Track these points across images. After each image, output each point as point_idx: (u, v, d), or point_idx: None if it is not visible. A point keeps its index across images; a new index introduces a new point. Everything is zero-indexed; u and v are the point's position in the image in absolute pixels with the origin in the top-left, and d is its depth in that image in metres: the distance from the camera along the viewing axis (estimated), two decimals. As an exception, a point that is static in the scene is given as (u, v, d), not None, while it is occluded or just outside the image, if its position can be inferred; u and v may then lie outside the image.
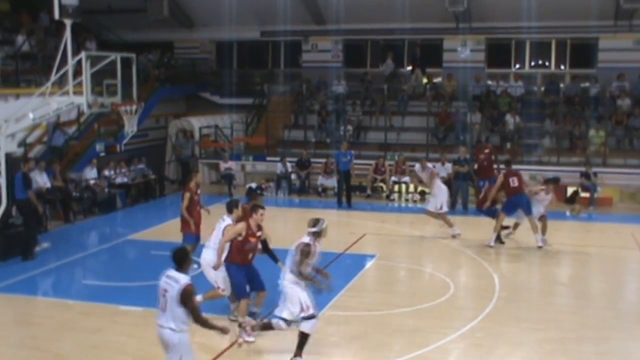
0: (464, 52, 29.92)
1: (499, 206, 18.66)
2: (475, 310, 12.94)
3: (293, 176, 26.65)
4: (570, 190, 24.17)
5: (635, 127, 25.65)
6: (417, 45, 30.91)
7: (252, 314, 11.59)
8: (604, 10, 26.76)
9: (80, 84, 17.10)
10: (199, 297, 11.27)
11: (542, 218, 17.95)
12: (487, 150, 22.66)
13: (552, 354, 11.04)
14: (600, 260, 17.37)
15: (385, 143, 27.36)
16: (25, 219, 17.19)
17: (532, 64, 30.51)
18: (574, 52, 29.74)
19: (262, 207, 11.59)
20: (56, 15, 16.89)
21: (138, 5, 30.36)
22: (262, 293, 11.71)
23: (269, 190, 26.44)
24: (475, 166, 22.50)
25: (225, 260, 11.49)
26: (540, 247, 17.60)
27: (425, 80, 30.26)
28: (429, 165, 20.78)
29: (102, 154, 24.59)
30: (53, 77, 17.17)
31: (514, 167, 19.52)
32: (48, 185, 19.90)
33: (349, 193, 23.99)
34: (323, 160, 26.39)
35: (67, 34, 16.89)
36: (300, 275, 10.51)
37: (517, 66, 30.36)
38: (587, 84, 27.95)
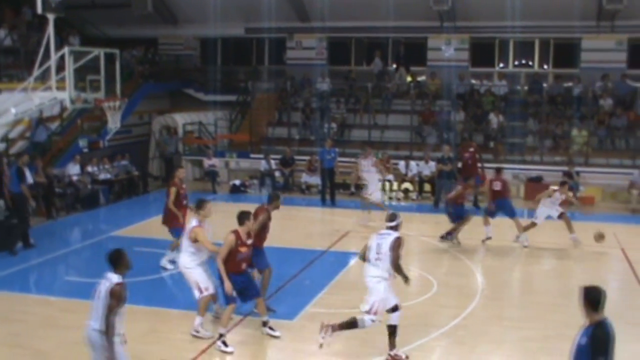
0: (448, 50, 30.01)
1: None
2: (457, 308, 12.98)
3: (277, 173, 26.64)
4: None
5: (617, 127, 25.83)
6: (401, 43, 30.98)
7: (264, 324, 11.53)
8: (587, 10, 26.91)
9: (63, 79, 17.06)
10: (198, 320, 11.31)
11: (563, 216, 18.04)
12: (471, 149, 22.81)
13: (535, 352, 11.10)
14: (582, 259, 17.46)
15: (369, 141, 27.37)
16: (20, 212, 17.24)
17: (516, 63, 30.67)
18: (557, 52, 29.93)
19: (250, 213, 11.49)
20: (39, 10, 16.84)
21: (122, 0, 30.22)
22: (260, 300, 11.49)
23: (253, 188, 26.41)
24: (460, 164, 22.59)
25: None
26: (525, 247, 17.73)
27: (409, 79, 30.33)
28: (370, 158, 21.08)
29: (85, 150, 24.49)
30: (36, 72, 17.10)
31: (496, 165, 19.59)
32: (30, 181, 19.76)
33: (332, 191, 24.01)
34: (307, 157, 26.41)
35: (50, 29, 16.83)
36: (399, 270, 10.72)
37: (501, 65, 30.53)
38: (570, 84, 28.10)
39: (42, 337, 11.46)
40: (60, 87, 17.20)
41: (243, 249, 11.11)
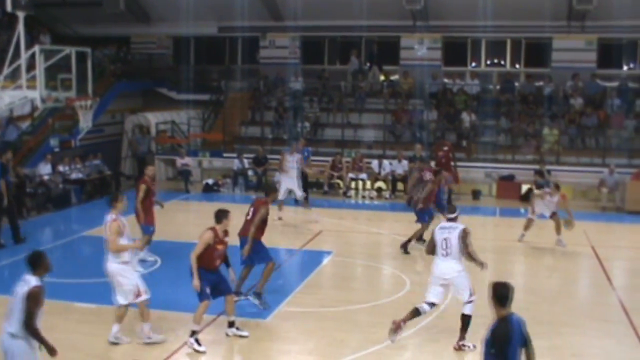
0: (420, 50, 30.14)
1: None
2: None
3: (250, 172, 26.61)
4: (524, 188, 24.46)
5: (588, 126, 26.10)
6: (374, 42, 31.06)
7: (230, 324, 11.44)
8: (558, 11, 27.18)
9: (33, 78, 16.94)
10: (146, 326, 10.98)
11: (554, 216, 18.14)
12: (445, 148, 23.02)
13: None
14: (553, 256, 17.63)
15: (343, 140, 27.47)
16: (6, 207, 17.48)
17: (488, 62, 30.87)
18: (528, 51, 30.16)
19: (229, 212, 11.39)
20: (8, 8, 16.70)
21: (93, -2, 30.07)
22: (230, 297, 11.38)
23: (226, 187, 26.35)
24: (433, 163, 22.71)
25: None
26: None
27: (382, 78, 30.42)
28: (297, 154, 21.24)
29: (57, 150, 24.32)
30: (5, 71, 16.99)
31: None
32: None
33: (306, 190, 23.99)
34: (280, 156, 26.37)
35: (20, 27, 16.72)
36: (472, 258, 11.29)
37: (473, 65, 30.71)
38: (541, 83, 28.33)
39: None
40: (31, 86, 17.08)
41: (220, 247, 11.07)
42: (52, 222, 20.99)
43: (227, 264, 11.47)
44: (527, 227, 18.27)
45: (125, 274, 11.07)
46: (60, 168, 23.76)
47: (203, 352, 10.83)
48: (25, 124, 24.28)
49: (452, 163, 23.07)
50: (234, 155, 26.99)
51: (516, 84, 29.06)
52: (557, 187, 18.46)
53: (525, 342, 7.30)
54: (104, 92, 26.66)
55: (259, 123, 29.34)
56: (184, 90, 31.50)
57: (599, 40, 28.46)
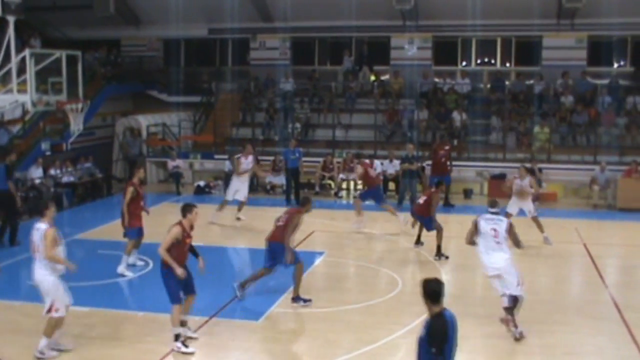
0: (411, 49, 30.18)
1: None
2: (423, 306, 12.88)
3: (241, 174, 26.55)
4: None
5: (579, 124, 26.15)
6: (364, 42, 31.08)
7: (182, 323, 11.32)
8: (547, 9, 27.27)
9: (24, 81, 16.90)
10: (43, 341, 10.63)
11: (535, 218, 18.22)
12: (447, 147, 23.19)
13: (498, 348, 11.23)
14: (545, 254, 17.66)
15: (334, 140, 27.49)
16: (8, 209, 17.68)
17: (478, 61, 30.92)
18: (518, 50, 30.25)
19: (195, 206, 11.41)
20: (-2, 12, 16.64)
21: (84, 2, 29.91)
22: (191, 297, 11.32)
23: (217, 189, 26.32)
24: (429, 162, 22.75)
25: (161, 267, 11.08)
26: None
27: (372, 78, 30.44)
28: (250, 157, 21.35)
29: (48, 153, 24.24)
30: (-4, 75, 16.91)
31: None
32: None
33: (297, 190, 24.04)
34: (271, 157, 26.39)
35: (10, 31, 16.68)
36: (518, 245, 12.42)
37: (464, 64, 30.76)
38: (531, 82, 28.39)
39: (3, 342, 11.33)
40: (22, 90, 17.04)
41: (188, 240, 11.13)
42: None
43: (196, 255, 11.48)
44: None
45: (50, 286, 10.79)
46: (52, 171, 23.72)
47: (192, 354, 10.80)
48: (16, 128, 24.21)
49: (449, 163, 23.27)
50: (225, 156, 26.93)
51: (507, 82, 29.13)
52: (526, 170, 18.69)
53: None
54: (95, 95, 26.62)
55: (249, 124, 29.31)
56: (174, 92, 31.50)
57: (589, 38, 28.57)
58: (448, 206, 23.06)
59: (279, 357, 10.98)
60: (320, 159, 25.94)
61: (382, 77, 30.59)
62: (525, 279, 15.22)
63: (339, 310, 12.87)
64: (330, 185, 26.01)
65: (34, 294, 13.77)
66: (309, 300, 13.07)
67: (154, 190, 25.99)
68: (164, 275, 10.96)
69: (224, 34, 31.75)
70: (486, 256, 11.72)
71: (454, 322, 7.18)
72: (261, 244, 18.05)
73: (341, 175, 25.60)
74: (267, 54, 31.88)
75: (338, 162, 25.84)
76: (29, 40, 25.41)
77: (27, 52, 17.02)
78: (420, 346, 7.13)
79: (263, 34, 31.66)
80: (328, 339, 11.45)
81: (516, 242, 12.23)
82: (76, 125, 18.70)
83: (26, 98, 16.90)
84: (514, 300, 11.59)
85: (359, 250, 17.90)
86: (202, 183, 26.45)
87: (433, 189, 17.69)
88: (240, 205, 20.86)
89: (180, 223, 11.08)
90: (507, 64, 30.66)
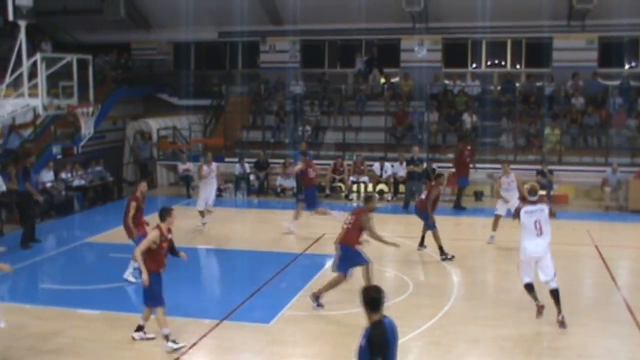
0: (421, 52, 30.12)
1: None
2: (433, 308, 13.04)
3: (252, 177, 26.60)
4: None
5: (590, 125, 26.06)
6: (374, 45, 31.06)
7: (139, 328, 11.42)
8: (558, 10, 27.18)
9: (35, 85, 16.95)
10: None
11: (498, 217, 18.26)
12: (469, 147, 23.19)
13: (510, 350, 11.19)
14: (556, 256, 17.37)
15: (344, 143, 27.47)
16: (25, 211, 18.28)
17: (489, 63, 30.85)
18: (529, 51, 30.14)
19: (173, 210, 11.48)
20: (10, 17, 16.72)
21: (94, 6, 30.08)
22: (159, 308, 11.29)
23: (228, 192, 26.35)
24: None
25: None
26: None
27: (382, 80, 30.41)
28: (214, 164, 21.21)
29: (59, 157, 24.33)
30: (8, 79, 17.00)
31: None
32: (3, 188, 19.66)
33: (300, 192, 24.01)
34: (281, 160, 26.40)
35: (22, 36, 16.73)
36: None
37: (474, 66, 30.67)
38: (542, 83, 28.30)
39: (16, 345, 11.37)
40: (33, 94, 17.10)
41: (165, 244, 11.19)
42: (55, 229, 21.00)
43: (175, 254, 11.57)
44: (495, 226, 18.32)
45: None
46: (63, 175, 23.79)
47: (184, 346, 10.93)
48: (27, 132, 24.31)
49: (472, 163, 23.42)
50: (236, 159, 26.97)
51: (517, 84, 29.02)
52: (508, 165, 19.02)
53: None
54: (105, 98, 26.68)
55: (260, 127, 29.32)
56: (184, 95, 31.55)
57: (599, 39, 28.45)
58: (459, 209, 23.03)
59: (290, 359, 10.97)
60: (331, 162, 25.91)
61: (392, 80, 30.52)
62: (536, 280, 15.23)
63: (349, 313, 12.83)
64: (340, 187, 25.99)
65: (48, 298, 13.90)
66: (320, 305, 13.02)
67: (165, 194, 26.07)
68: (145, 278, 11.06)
69: (234, 37, 31.77)
70: (528, 242, 12.21)
71: (394, 329, 7.08)
72: (270, 246, 18.22)
73: (351, 178, 25.58)
74: (277, 56, 31.88)
75: (348, 165, 25.83)
76: (40, 44, 25.51)
77: (38, 56, 17.08)
78: (361, 356, 6.98)
79: (273, 36, 31.66)
80: (338, 341, 11.44)
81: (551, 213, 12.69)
82: (87, 128, 18.75)
83: (37, 102, 16.96)
84: (556, 294, 12.15)
85: (369, 252, 17.80)
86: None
87: (433, 182, 17.71)
88: (205, 211, 20.50)
89: (158, 227, 11.16)
90: (518, 66, 30.58)
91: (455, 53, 30.70)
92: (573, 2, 26.18)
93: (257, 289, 14.09)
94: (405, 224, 19.86)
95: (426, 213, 17.04)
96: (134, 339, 11.41)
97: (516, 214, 12.41)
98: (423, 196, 17.52)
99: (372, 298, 7.10)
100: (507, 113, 27.43)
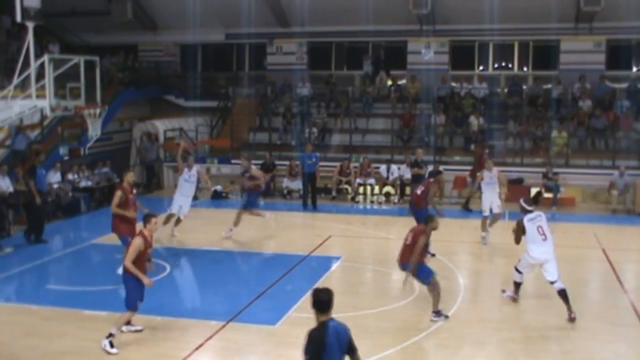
0: (427, 54, 30.11)
1: None
2: (440, 311, 13.02)
3: (258, 179, 26.57)
4: (533, 191, 24.44)
5: (597, 128, 26.01)
6: (381, 47, 31.06)
7: (111, 335, 11.31)
8: (565, 13, 27.15)
9: (43, 87, 16.99)
10: None
11: (496, 216, 18.34)
12: (487, 150, 23.21)
13: (516, 354, 11.16)
14: (563, 259, 17.44)
15: (350, 145, 27.48)
16: (32, 210, 18.75)
17: (495, 65, 30.82)
18: (536, 54, 30.13)
19: (155, 216, 11.52)
20: (18, 18, 16.77)
21: (101, 7, 30.18)
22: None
23: (234, 193, 26.36)
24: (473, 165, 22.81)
25: (124, 272, 11.20)
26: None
27: (389, 83, 30.41)
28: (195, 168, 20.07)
29: (66, 158, 24.37)
30: (15, 81, 17.04)
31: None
32: (11, 189, 19.70)
33: (314, 195, 24.03)
34: (288, 162, 26.40)
35: (30, 37, 16.78)
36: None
37: (481, 68, 30.66)
38: (549, 86, 28.26)
39: (23, 346, 11.39)
40: (40, 95, 17.14)
41: (149, 250, 11.29)
42: (61, 230, 21.03)
43: (148, 259, 11.62)
44: (484, 227, 18.37)
45: None
46: (70, 176, 23.83)
47: (115, 354, 10.85)
48: (34, 133, 24.36)
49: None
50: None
51: (524, 86, 28.99)
52: (493, 163, 19.55)
53: (350, 350, 7.21)
54: (112, 100, 26.73)
55: (266, 129, 29.34)
56: (191, 97, 31.62)
57: (607, 41, 28.41)
58: (467, 210, 23.02)
59: (295, 362, 10.99)
60: (337, 164, 25.92)
61: (399, 82, 30.53)
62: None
63: (355, 315, 12.82)
64: (347, 190, 25.97)
65: (55, 299, 13.91)
66: (447, 317, 12.74)
67: (171, 195, 25.99)
68: (127, 280, 11.15)
69: (241, 39, 31.83)
70: (536, 246, 12.92)
71: (339, 334, 7.10)
72: (276, 248, 18.23)
73: (358, 180, 25.58)
74: (284, 58, 31.92)
75: (355, 167, 25.83)
76: (48, 45, 25.56)
77: (45, 58, 17.12)
78: (304, 354, 7.12)
79: (280, 38, 31.70)
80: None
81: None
82: (94, 130, 18.78)
83: (45, 103, 17.00)
84: (564, 294, 12.68)
85: (376, 255, 17.87)
86: (219, 188, 26.48)
87: (431, 179, 17.77)
88: (178, 221, 19.42)
89: (141, 233, 11.22)
90: (525, 68, 30.57)
91: (463, 55, 30.69)
92: (581, 4, 26.14)
93: (263, 291, 14.09)
94: (411, 226, 19.78)
95: (421, 209, 17.00)
96: (122, 331, 11.44)
97: (518, 227, 13.14)
98: (419, 191, 17.47)
99: (319, 300, 7.19)
100: (514, 116, 27.40)
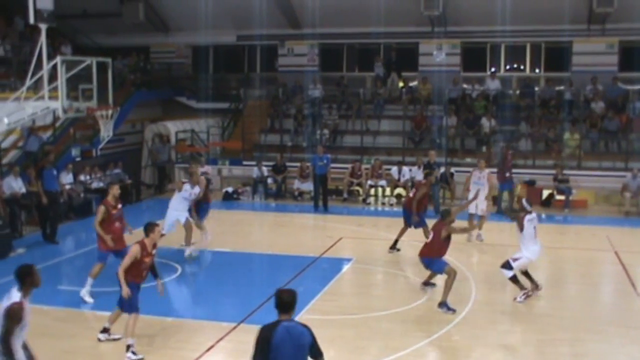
0: (439, 55, 30.06)
1: None
2: (451, 313, 12.98)
3: (269, 180, 26.62)
4: (545, 193, 24.38)
5: (609, 130, 25.89)
6: (392, 49, 31.01)
7: (105, 330, 11.45)
8: (578, 14, 27.03)
9: (55, 88, 17.06)
10: None
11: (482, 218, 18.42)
12: (511, 151, 23.13)
13: (528, 357, 11.13)
14: (576, 262, 17.50)
15: (362, 147, 27.46)
16: (54, 208, 19.29)
17: (507, 67, 30.75)
18: (548, 55, 30.04)
19: (157, 225, 11.47)
20: (31, 20, 16.84)
21: (114, 9, 30.29)
22: (129, 315, 11.19)
23: (245, 195, 26.39)
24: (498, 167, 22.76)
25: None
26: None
27: (401, 84, 30.37)
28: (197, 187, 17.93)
29: (78, 159, 24.42)
30: (28, 82, 17.11)
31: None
32: (23, 190, 19.76)
33: (325, 197, 24.00)
34: (299, 164, 26.39)
35: (42, 39, 16.84)
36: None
37: (493, 69, 30.53)
38: (561, 87, 28.15)
39: (35, 346, 11.36)
40: (53, 97, 17.21)
41: (147, 259, 11.13)
42: (73, 231, 21.06)
43: (155, 275, 11.54)
44: (471, 224, 18.38)
45: None
46: (82, 177, 23.88)
47: (142, 358, 10.81)
48: (46, 134, 24.44)
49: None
50: (253, 163, 27.02)
51: (536, 88, 28.89)
52: (486, 162, 20.17)
53: (312, 354, 7.19)
54: (124, 101, 26.77)
55: (278, 131, 29.37)
56: (203, 99, 31.63)
57: (620, 43, 28.29)
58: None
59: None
60: (349, 166, 25.90)
61: (411, 83, 30.49)
62: (555, 286, 15.20)
63: (367, 317, 12.82)
64: (358, 191, 25.94)
65: (66, 299, 13.94)
66: (454, 310, 13.02)
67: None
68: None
69: (253, 40, 31.85)
70: (533, 245, 13.81)
71: (292, 336, 7.11)
72: (287, 250, 18.19)
73: (369, 182, 25.55)
74: (295, 60, 31.94)
75: (366, 169, 25.80)
76: (60, 47, 25.64)
77: (58, 59, 17.18)
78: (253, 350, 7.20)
79: (291, 40, 31.74)
80: (356, 345, 11.41)
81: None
82: (106, 131, 18.85)
83: (57, 105, 17.06)
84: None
85: (387, 256, 17.82)
86: (230, 189, 26.52)
87: (423, 181, 18.02)
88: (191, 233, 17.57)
89: (141, 242, 11.13)
90: (537, 70, 30.48)
91: (474, 57, 30.64)
92: (593, 5, 26.04)
93: (274, 293, 14.06)
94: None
95: (410, 211, 17.50)
96: (99, 340, 11.45)
97: (520, 223, 13.77)
98: (411, 194, 17.98)
99: (280, 300, 7.29)
100: (526, 117, 27.32)
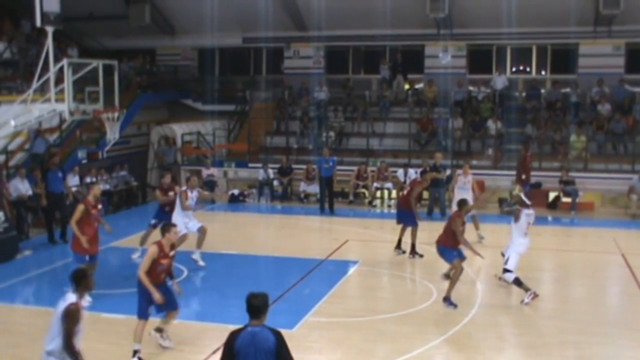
0: (445, 58, 30.04)
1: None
2: (457, 315, 12.97)
3: (275, 182, 26.63)
4: (552, 196, 24.34)
5: (616, 132, 25.83)
6: (398, 51, 30.99)
7: (160, 330, 11.41)
8: (584, 16, 26.98)
9: (62, 91, 17.08)
10: None
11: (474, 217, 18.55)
12: (530, 153, 23.15)
13: (534, 359, 11.09)
14: (582, 264, 17.46)
15: (368, 149, 27.44)
16: (61, 209, 19.64)
17: (513, 69, 30.71)
18: (554, 57, 29.97)
19: (174, 226, 11.45)
20: (37, 23, 16.87)
21: (120, 12, 30.32)
22: (174, 312, 11.29)
23: (251, 197, 26.41)
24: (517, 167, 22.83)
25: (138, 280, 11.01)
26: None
27: (406, 87, 30.35)
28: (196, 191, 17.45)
29: (84, 161, 24.46)
30: (35, 84, 17.14)
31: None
32: (29, 192, 19.81)
33: (331, 199, 24.00)
34: (305, 166, 26.39)
35: (49, 41, 16.87)
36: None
37: (499, 72, 30.47)
38: (567, 89, 28.09)
39: (41, 348, 11.40)
40: (59, 99, 17.23)
41: (164, 261, 11.01)
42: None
43: (172, 277, 11.44)
44: (476, 226, 18.51)
45: None
46: (88, 179, 23.88)
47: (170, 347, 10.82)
48: (53, 137, 24.47)
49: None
50: (259, 165, 27.04)
51: (542, 90, 28.84)
52: (470, 167, 20.52)
53: (279, 359, 7.11)
54: (130, 104, 26.79)
55: (283, 133, 29.35)
56: (209, 101, 31.65)
57: (626, 45, 28.22)
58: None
59: (313, 366, 10.96)
60: (354, 168, 25.88)
61: (417, 86, 30.44)
62: (562, 289, 15.19)
63: (373, 319, 12.82)
64: (364, 194, 25.95)
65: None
66: (455, 306, 13.38)
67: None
68: (139, 288, 10.94)
69: (258, 43, 31.88)
70: (523, 239, 14.09)
71: (258, 340, 7.12)
72: (294, 252, 18.20)
73: (375, 184, 25.54)
74: (301, 62, 31.95)
75: (372, 171, 25.79)
76: (67, 50, 25.70)
77: (65, 62, 17.20)
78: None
79: (297, 42, 31.74)
80: (362, 348, 11.40)
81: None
82: (112, 133, 18.87)
83: (64, 107, 17.08)
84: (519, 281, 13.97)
85: (393, 259, 17.82)
86: (236, 191, 26.54)
87: (418, 179, 18.14)
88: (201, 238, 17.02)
89: (158, 243, 11.06)
90: (543, 72, 30.43)
91: (480, 59, 30.58)
92: (599, 7, 25.98)
93: (280, 295, 14.08)
94: (429, 231, 19.70)
95: (404, 208, 17.70)
96: (150, 333, 11.38)
97: (517, 214, 14.03)
98: (405, 191, 18.09)
99: (251, 305, 7.35)
100: (532, 120, 27.26)
